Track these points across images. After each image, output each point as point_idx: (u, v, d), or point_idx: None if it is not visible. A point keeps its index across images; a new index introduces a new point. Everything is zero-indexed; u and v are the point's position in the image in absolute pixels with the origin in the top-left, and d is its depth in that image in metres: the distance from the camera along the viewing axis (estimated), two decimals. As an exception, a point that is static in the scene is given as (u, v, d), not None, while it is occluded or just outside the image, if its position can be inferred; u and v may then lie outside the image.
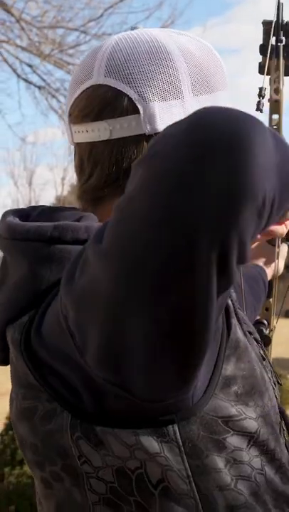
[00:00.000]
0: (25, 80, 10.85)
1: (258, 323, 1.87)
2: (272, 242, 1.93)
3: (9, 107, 40.93)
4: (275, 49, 1.84)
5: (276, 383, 1.38)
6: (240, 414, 1.12)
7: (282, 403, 4.20)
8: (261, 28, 1.84)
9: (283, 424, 1.28)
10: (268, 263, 2.05)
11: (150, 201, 0.83)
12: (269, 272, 2.06)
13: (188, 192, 0.80)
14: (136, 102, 1.18)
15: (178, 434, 1.07)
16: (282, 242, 2.02)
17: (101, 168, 1.21)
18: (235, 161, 0.80)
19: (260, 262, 2.05)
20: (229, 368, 1.12)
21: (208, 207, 0.80)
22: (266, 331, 1.85)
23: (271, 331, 1.90)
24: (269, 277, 2.06)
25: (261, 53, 1.85)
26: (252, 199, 0.81)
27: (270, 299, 2.02)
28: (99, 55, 1.23)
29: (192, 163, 0.81)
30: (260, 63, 1.87)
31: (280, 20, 1.82)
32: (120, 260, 0.86)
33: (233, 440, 1.11)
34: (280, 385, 1.43)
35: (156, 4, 12.15)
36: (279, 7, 1.82)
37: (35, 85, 10.75)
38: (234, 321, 1.15)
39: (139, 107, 1.18)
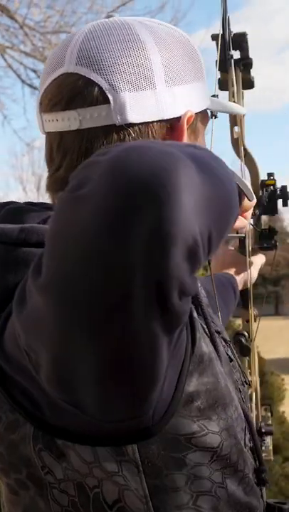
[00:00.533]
0: (30, 86, 10.92)
1: (238, 335, 1.90)
2: (244, 252, 1.97)
3: (15, 113, 40.63)
4: (225, 62, 1.85)
5: (244, 383, 1.38)
6: (202, 429, 1.11)
7: (273, 400, 4.32)
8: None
9: (248, 430, 1.27)
10: (238, 272, 2.06)
11: (82, 247, 0.83)
12: (240, 281, 2.07)
13: (119, 242, 0.80)
14: (106, 92, 1.15)
15: (137, 453, 1.06)
16: (256, 251, 2.07)
17: (70, 158, 1.19)
18: (160, 212, 0.80)
19: (231, 271, 2.07)
20: (192, 384, 1.09)
21: (139, 256, 0.80)
22: (246, 342, 1.88)
23: (252, 341, 1.95)
24: (241, 286, 2.07)
25: (218, 69, 1.87)
26: (181, 244, 0.81)
27: (250, 310, 2.07)
28: (72, 43, 1.20)
29: (119, 217, 0.81)
30: (219, 79, 1.91)
31: (228, 34, 1.83)
32: (57, 299, 0.86)
33: (195, 456, 1.10)
34: (249, 385, 1.44)
35: (159, 6, 12.10)
36: (224, 20, 1.81)
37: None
38: (199, 334, 1.13)
39: (110, 96, 1.15)
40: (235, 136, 1.93)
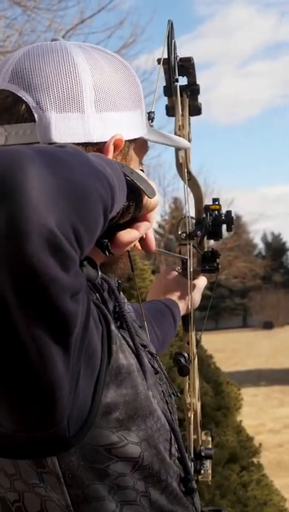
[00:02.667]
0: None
1: (178, 355, 1.89)
2: (186, 274, 1.97)
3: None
4: (171, 88, 1.87)
5: (172, 395, 1.41)
6: (121, 440, 1.12)
7: (230, 409, 4.40)
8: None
9: (174, 441, 1.29)
10: (182, 296, 2.06)
11: None
12: (185, 305, 2.06)
13: None
14: (33, 110, 1.16)
15: (57, 465, 1.08)
16: (198, 273, 2.09)
17: None
18: (9, 212, 0.81)
19: (175, 297, 2.06)
20: (109, 395, 1.11)
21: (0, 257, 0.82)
22: (185, 362, 1.86)
23: (191, 362, 1.93)
24: (185, 311, 2.07)
25: (164, 94, 1.91)
26: (37, 239, 0.81)
27: (191, 333, 2.05)
28: (9, 61, 1.22)
29: None
30: (166, 105, 1.93)
31: (173, 59, 1.84)
32: None
33: (117, 467, 1.12)
34: (177, 396, 1.45)
35: (117, 23, 12.19)
36: (170, 46, 1.81)
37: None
38: (115, 346, 1.14)
39: (36, 115, 1.16)
40: (180, 160, 1.94)
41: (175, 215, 32.40)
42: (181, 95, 1.94)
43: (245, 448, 4.34)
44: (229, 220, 2.05)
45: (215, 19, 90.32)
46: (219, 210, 2.05)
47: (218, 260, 2.08)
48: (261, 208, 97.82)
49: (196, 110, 2.06)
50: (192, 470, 1.57)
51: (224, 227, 2.06)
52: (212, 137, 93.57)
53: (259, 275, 47.49)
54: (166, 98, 1.94)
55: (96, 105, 1.21)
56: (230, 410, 4.45)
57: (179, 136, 1.86)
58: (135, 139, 1.31)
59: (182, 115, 1.95)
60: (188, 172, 1.99)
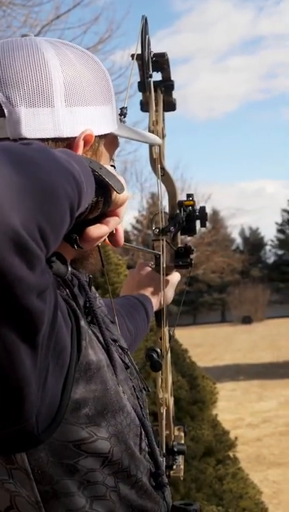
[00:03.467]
0: None
1: (150, 350, 1.91)
2: (159, 270, 1.98)
3: None
4: (145, 83, 1.86)
5: (143, 389, 1.42)
6: (91, 436, 1.14)
7: (206, 403, 4.41)
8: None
9: (144, 435, 1.31)
10: (155, 292, 2.07)
11: None
12: (158, 300, 2.07)
13: None
14: (3, 105, 1.16)
15: (26, 461, 1.09)
16: (172, 269, 2.08)
17: None
18: None
19: (148, 292, 2.07)
20: (78, 392, 1.12)
21: None
22: (157, 358, 1.88)
23: (163, 357, 1.94)
24: (157, 306, 2.07)
25: (139, 90, 1.90)
26: (2, 240, 0.81)
27: (164, 328, 2.05)
28: None
29: None
30: (140, 101, 1.94)
31: (147, 54, 1.83)
32: None
33: (87, 462, 1.14)
34: (148, 391, 1.46)
35: (93, 19, 12.18)
36: (144, 41, 1.80)
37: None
38: (85, 342, 1.15)
39: (5, 110, 1.16)
40: (154, 156, 1.95)
41: (152, 211, 32.36)
42: (156, 91, 1.94)
43: (221, 442, 4.36)
44: (203, 215, 2.05)
45: (192, 14, 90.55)
46: (193, 205, 2.05)
47: (191, 256, 2.08)
48: (239, 203, 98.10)
49: (170, 106, 2.06)
50: (164, 465, 1.58)
51: (198, 222, 2.06)
52: (189, 132, 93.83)
53: (237, 270, 47.62)
54: (141, 94, 1.93)
55: (66, 100, 1.21)
56: (206, 404, 4.46)
57: (153, 131, 1.89)
58: (106, 135, 1.31)
59: (156, 111, 1.95)
60: (162, 168, 1.99)
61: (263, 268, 60.35)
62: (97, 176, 1.12)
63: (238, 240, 62.86)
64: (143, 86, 1.89)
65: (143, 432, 1.30)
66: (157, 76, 1.96)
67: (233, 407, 12.99)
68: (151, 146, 1.93)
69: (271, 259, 63.53)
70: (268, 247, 64.41)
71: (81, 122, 1.23)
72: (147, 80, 1.87)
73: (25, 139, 1.16)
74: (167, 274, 2.04)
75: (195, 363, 4.89)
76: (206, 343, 27.20)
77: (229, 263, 44.18)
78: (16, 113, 1.16)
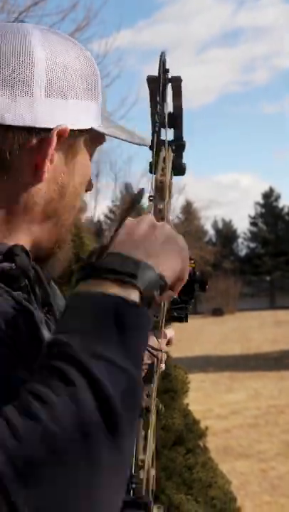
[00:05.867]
0: None
1: None
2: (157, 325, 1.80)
3: None
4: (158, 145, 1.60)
5: None
6: None
7: (177, 393, 4.38)
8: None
9: None
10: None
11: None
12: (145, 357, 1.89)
13: None
14: None
15: None
16: (167, 323, 1.93)
17: None
18: None
19: None
20: None
21: None
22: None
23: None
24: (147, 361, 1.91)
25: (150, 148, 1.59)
26: None
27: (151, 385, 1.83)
28: None
29: None
30: (150, 162, 1.60)
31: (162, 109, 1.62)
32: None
33: None
34: None
35: (71, 6, 12.11)
36: (162, 95, 1.62)
37: None
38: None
39: None
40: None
41: (126, 201, 32.42)
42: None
43: (192, 431, 4.37)
44: (203, 280, 1.87)
45: (173, 5, 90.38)
46: (194, 268, 1.87)
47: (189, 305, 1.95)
48: (213, 195, 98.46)
49: (180, 170, 1.76)
50: None
51: (196, 286, 1.87)
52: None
53: (209, 262, 47.75)
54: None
55: (46, 89, 1.19)
56: (178, 393, 4.47)
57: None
58: (86, 130, 1.27)
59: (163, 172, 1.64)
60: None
61: (235, 260, 60.61)
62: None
63: (211, 232, 63.14)
64: (155, 147, 1.61)
65: None
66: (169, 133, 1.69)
67: (203, 398, 13.04)
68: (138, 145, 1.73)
69: (243, 252, 63.93)
70: (240, 240, 64.81)
71: (60, 114, 1.21)
72: (161, 143, 1.63)
73: (1, 125, 1.15)
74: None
75: (167, 351, 4.88)
76: (176, 334, 27.20)
77: (201, 255, 44.33)
78: None
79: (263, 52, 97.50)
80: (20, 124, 1.17)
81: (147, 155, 1.58)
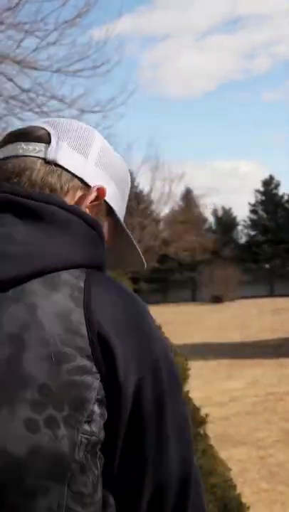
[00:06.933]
0: None
1: None
2: None
3: None
4: None
5: None
6: None
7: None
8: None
9: None
10: None
11: None
12: None
13: None
14: (51, 136, 1.39)
15: None
16: None
17: None
18: None
19: None
20: None
21: None
22: None
23: None
24: None
25: None
26: None
27: None
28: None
29: None
30: None
31: None
32: None
33: None
34: None
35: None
36: None
37: None
38: None
39: (52, 139, 1.39)
40: None
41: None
42: None
43: (192, 418, 4.38)
44: None
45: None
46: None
47: None
48: (213, 182, 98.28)
49: None
50: None
51: None
52: (167, 111, 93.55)
53: (209, 249, 47.75)
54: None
55: (97, 161, 1.42)
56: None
57: None
58: (110, 208, 1.45)
59: None
60: None
61: (235, 248, 60.58)
62: None
63: (211, 220, 63.05)
64: None
65: None
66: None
67: (202, 385, 13.07)
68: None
69: (243, 240, 63.84)
70: (240, 227, 64.71)
71: (101, 181, 1.41)
72: None
73: (57, 164, 1.36)
74: None
75: (168, 338, 4.88)
76: (175, 321, 27.26)
77: (201, 242, 44.34)
78: (59, 145, 1.38)
79: (264, 39, 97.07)
80: (72, 171, 1.38)
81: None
